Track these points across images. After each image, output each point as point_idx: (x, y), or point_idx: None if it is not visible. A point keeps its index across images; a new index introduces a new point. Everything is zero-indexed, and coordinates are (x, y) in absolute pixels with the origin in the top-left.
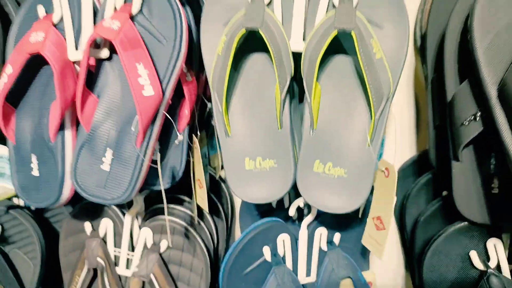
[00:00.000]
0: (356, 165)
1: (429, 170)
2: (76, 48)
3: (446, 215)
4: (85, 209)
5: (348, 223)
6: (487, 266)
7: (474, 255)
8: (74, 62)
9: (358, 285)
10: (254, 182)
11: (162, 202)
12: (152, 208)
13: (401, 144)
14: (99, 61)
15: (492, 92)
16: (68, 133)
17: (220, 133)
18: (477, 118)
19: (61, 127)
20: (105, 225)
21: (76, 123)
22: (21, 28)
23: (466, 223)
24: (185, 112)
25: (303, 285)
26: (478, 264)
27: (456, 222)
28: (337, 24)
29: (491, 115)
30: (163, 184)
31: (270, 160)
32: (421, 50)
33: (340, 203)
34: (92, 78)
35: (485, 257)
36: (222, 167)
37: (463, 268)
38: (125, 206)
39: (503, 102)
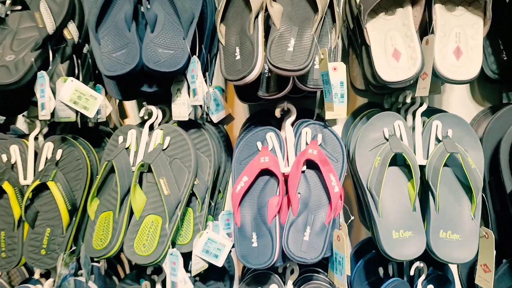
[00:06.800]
0: (466, 232)
1: None
2: (287, 165)
3: None
4: (256, 278)
5: None
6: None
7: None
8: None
9: None
10: (400, 246)
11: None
12: (302, 276)
13: None
14: None
15: None
16: (278, 218)
17: (375, 215)
18: None
19: None
20: None
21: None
22: (242, 151)
23: None
24: (339, 203)
25: None
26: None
27: None
28: (448, 150)
29: None
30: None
31: (409, 232)
32: None
33: (460, 257)
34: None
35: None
36: None
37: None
38: (282, 277)
39: None
